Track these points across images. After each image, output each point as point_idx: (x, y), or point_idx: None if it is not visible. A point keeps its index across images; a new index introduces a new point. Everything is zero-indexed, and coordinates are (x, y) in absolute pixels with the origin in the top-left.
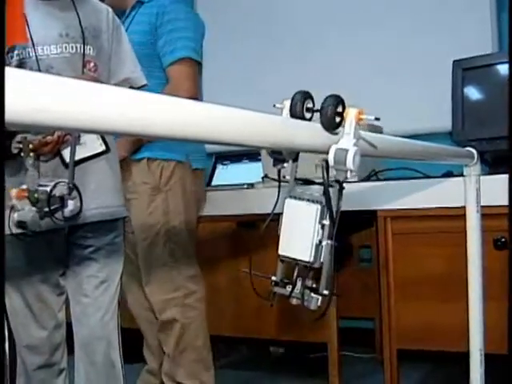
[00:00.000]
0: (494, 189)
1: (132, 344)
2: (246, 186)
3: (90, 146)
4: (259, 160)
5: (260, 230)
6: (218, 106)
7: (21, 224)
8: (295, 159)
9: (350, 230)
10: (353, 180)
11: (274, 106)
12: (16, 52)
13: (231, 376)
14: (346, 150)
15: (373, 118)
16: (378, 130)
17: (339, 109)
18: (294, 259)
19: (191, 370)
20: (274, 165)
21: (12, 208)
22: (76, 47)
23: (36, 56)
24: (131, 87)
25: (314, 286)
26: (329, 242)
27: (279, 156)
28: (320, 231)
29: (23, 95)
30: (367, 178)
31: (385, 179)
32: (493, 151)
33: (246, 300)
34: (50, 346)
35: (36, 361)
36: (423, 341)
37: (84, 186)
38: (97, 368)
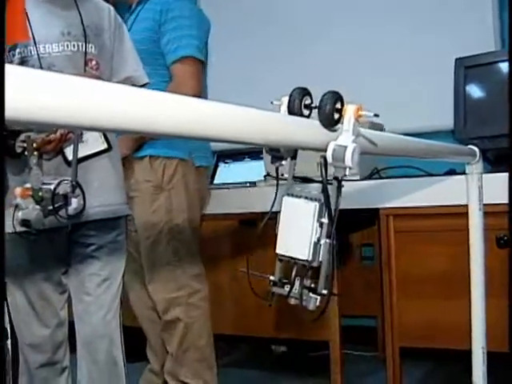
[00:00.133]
0: (496, 187)
1: (135, 343)
2: (248, 185)
3: (93, 143)
4: (261, 158)
5: (258, 229)
6: (214, 102)
7: (25, 222)
8: (293, 157)
9: (352, 228)
10: (355, 178)
11: (272, 102)
12: (18, 50)
13: (233, 374)
14: (345, 147)
15: (372, 114)
16: (379, 127)
17: (338, 105)
18: (292, 258)
19: (194, 369)
20: (272, 162)
21: (16, 207)
22: (78, 45)
23: (38, 54)
24: (133, 85)
25: (313, 285)
26: (327, 240)
27: (277, 154)
28: (318, 229)
29: (24, 92)
30: (369, 176)
31: (387, 177)
32: (495, 149)
33: (248, 298)
34: (52, 344)
35: (38, 359)
36: (425, 339)
37: (87, 184)
38: (99, 366)
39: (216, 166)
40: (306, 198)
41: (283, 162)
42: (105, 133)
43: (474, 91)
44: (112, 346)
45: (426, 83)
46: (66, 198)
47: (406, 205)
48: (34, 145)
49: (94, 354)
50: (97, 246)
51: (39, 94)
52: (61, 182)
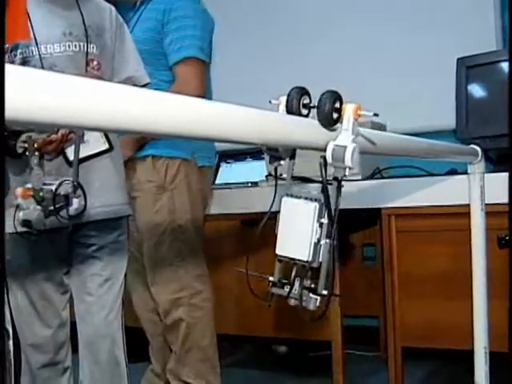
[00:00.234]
0: (498, 187)
1: (137, 343)
2: (249, 185)
3: (94, 144)
4: (263, 158)
5: (257, 230)
6: (211, 102)
7: (26, 223)
8: (292, 156)
9: (353, 228)
10: (356, 178)
11: (270, 102)
12: (19, 51)
13: (236, 375)
14: (345, 147)
15: (371, 113)
16: (381, 127)
17: (337, 105)
18: (292, 259)
19: (197, 369)
20: (271, 162)
21: (17, 207)
22: (79, 46)
23: (39, 54)
24: (134, 85)
25: (313, 286)
26: (327, 240)
27: (275, 153)
28: (318, 230)
29: (24, 92)
30: (371, 176)
31: (389, 177)
32: (497, 149)
33: (250, 299)
34: (54, 344)
35: (40, 359)
36: (428, 339)
37: (88, 185)
38: (101, 366)
39: (218, 166)
40: (306, 198)
41: (282, 162)
42: (106, 133)
43: (476, 91)
44: (114, 347)
45: (427, 83)
46: (67, 199)
47: (408, 205)
48: (35, 145)
49: (96, 354)
50: (98, 247)
51: (39, 94)
52: (62, 182)
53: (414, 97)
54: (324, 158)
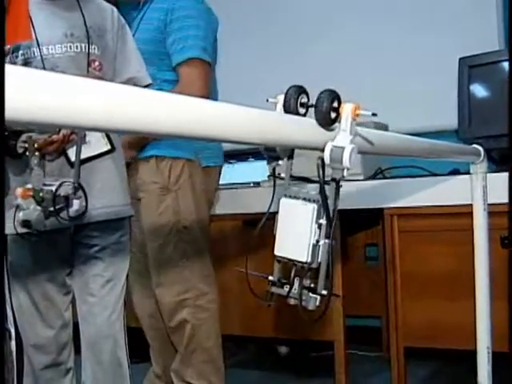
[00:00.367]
0: (500, 186)
1: (138, 343)
2: (252, 185)
3: (96, 145)
4: (265, 158)
5: (256, 230)
6: (209, 101)
7: (26, 223)
8: (290, 156)
9: (356, 228)
10: (358, 178)
11: (267, 100)
12: (21, 52)
13: (239, 375)
14: (343, 148)
15: (370, 113)
16: (382, 127)
17: (335, 104)
18: (291, 260)
19: (200, 370)
20: (269, 162)
21: (17, 207)
22: (81, 46)
23: (41, 55)
24: (136, 86)
25: (312, 285)
26: (326, 241)
27: (273, 153)
28: (317, 231)
29: (24, 92)
30: (373, 176)
31: (391, 177)
32: (499, 149)
33: (252, 299)
34: (56, 345)
35: (43, 360)
36: (430, 339)
37: (90, 186)
38: (104, 367)
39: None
40: (304, 199)
41: (280, 162)
42: (108, 134)
43: (478, 90)
44: (116, 347)
45: (429, 83)
46: (67, 200)
47: (411, 204)
48: (36, 145)
49: (99, 354)
50: (100, 247)
51: (39, 94)
52: (62, 183)
53: (415, 97)
54: (322, 158)
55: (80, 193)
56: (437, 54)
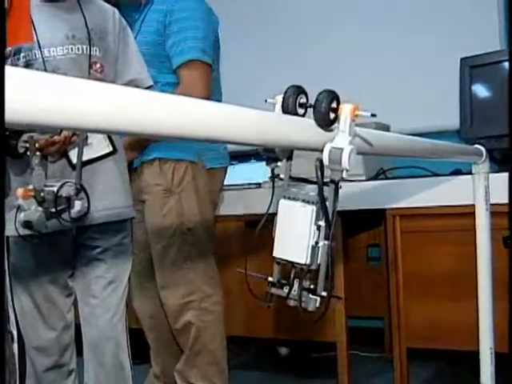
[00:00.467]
0: (502, 186)
1: (140, 345)
2: (253, 186)
3: (97, 146)
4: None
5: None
6: (207, 102)
7: (27, 224)
8: (289, 157)
9: (358, 228)
10: (360, 179)
11: (266, 101)
12: (22, 54)
13: (238, 377)
14: (341, 149)
15: (369, 114)
16: (384, 128)
17: (333, 104)
18: (290, 262)
19: (205, 372)
20: (268, 164)
21: (18, 208)
22: (82, 48)
23: (42, 58)
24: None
25: (312, 287)
26: (325, 242)
27: (272, 154)
28: (316, 232)
29: (25, 94)
30: (375, 177)
31: (393, 178)
32: (501, 149)
33: (253, 300)
34: (58, 347)
35: (45, 362)
36: (433, 339)
37: (92, 187)
38: (106, 369)
39: None
40: (303, 200)
41: (279, 164)
42: (110, 136)
43: (480, 91)
44: (118, 349)
45: (431, 83)
46: (69, 201)
47: (413, 205)
48: (37, 145)
49: (101, 356)
50: (102, 249)
51: (40, 96)
52: (64, 184)
53: (416, 97)
54: (320, 159)
55: (82, 194)
56: (437, 53)
